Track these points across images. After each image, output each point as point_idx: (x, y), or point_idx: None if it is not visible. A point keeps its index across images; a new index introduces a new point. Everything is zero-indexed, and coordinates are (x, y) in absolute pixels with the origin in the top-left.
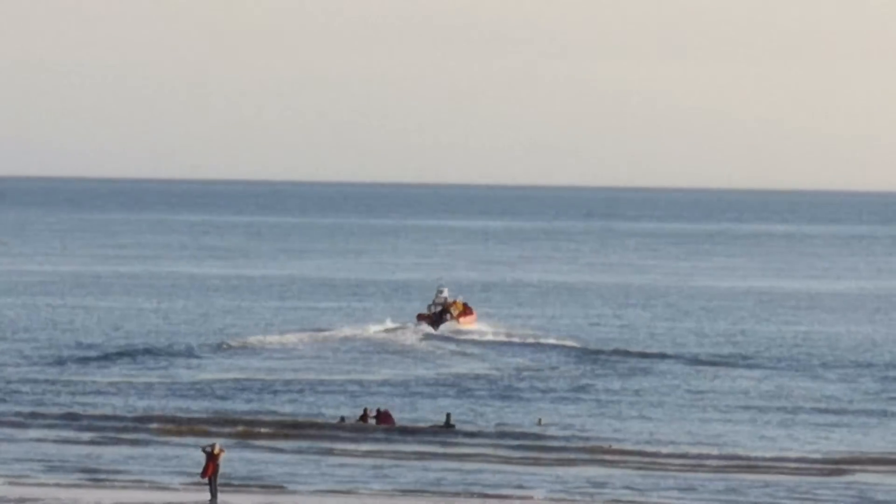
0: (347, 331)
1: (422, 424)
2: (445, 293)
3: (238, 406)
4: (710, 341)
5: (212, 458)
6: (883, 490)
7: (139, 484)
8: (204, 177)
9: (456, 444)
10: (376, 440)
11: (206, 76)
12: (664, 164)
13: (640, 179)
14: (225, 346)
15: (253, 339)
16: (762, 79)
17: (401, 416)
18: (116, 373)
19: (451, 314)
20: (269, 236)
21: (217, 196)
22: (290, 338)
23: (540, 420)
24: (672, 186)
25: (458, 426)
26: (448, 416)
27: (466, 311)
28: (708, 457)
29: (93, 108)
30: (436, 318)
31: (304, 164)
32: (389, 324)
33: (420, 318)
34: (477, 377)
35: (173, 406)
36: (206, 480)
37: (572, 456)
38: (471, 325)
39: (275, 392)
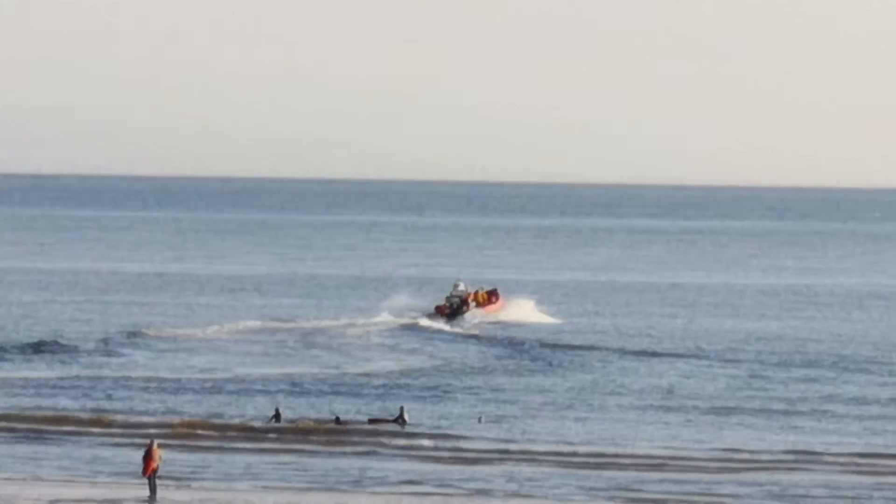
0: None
1: (373, 418)
2: (462, 286)
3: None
4: (629, 335)
5: (150, 455)
6: (783, 487)
7: (76, 480)
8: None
9: (373, 444)
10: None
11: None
12: (573, 160)
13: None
14: (136, 340)
15: (195, 333)
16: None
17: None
18: (33, 368)
19: (468, 307)
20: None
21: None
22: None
23: (481, 417)
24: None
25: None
26: (402, 409)
27: (491, 299)
28: (616, 455)
29: None
30: (452, 311)
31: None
32: (386, 317)
33: (438, 310)
34: (429, 371)
35: (85, 404)
36: (145, 478)
37: (493, 456)
38: (496, 314)
39: (210, 390)
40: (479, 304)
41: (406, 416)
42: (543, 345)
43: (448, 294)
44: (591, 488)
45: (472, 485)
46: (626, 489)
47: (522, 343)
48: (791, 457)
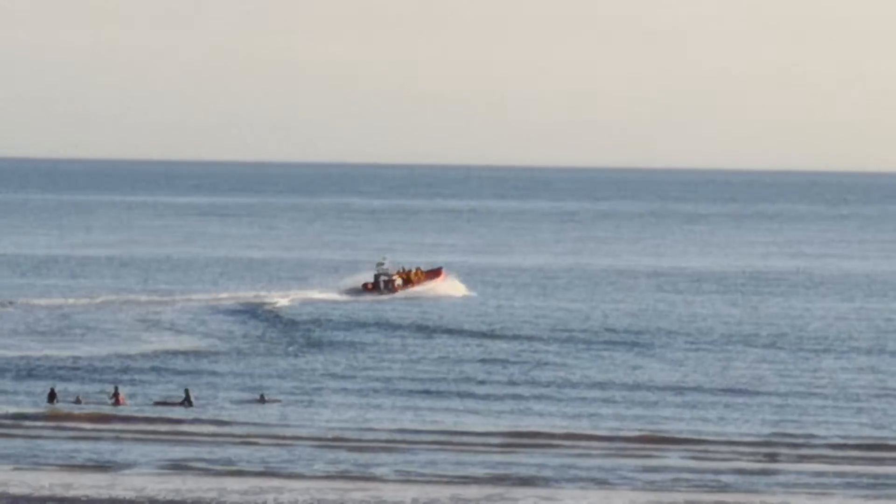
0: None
1: (159, 400)
2: (386, 264)
3: None
4: (476, 317)
5: None
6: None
7: None
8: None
9: (144, 426)
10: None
11: None
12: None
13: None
14: None
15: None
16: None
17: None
18: None
19: (393, 283)
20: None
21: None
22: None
23: (263, 395)
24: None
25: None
26: (187, 391)
27: (430, 274)
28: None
29: None
30: (377, 287)
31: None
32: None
33: (365, 287)
34: (221, 351)
35: None
36: None
37: (255, 438)
38: (428, 289)
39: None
40: (409, 282)
41: (192, 399)
42: (386, 327)
43: (375, 272)
44: (335, 469)
45: (226, 466)
46: (366, 467)
47: (327, 322)
48: (526, 440)
